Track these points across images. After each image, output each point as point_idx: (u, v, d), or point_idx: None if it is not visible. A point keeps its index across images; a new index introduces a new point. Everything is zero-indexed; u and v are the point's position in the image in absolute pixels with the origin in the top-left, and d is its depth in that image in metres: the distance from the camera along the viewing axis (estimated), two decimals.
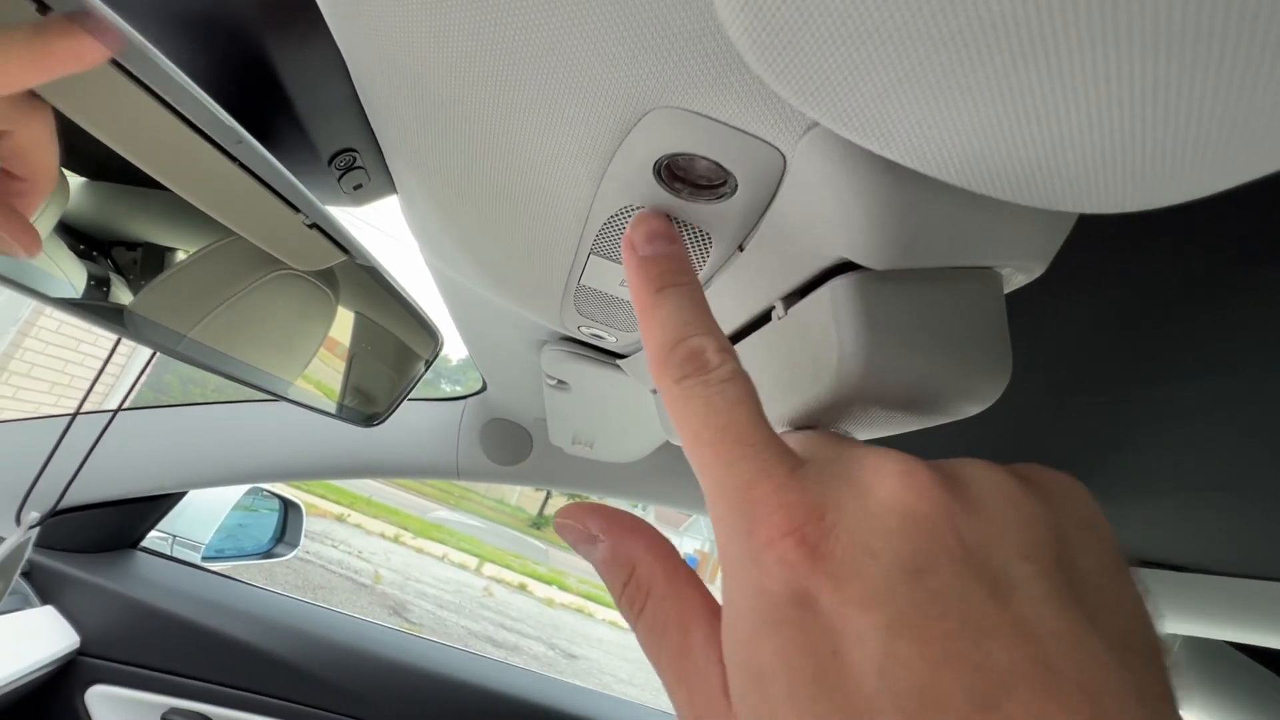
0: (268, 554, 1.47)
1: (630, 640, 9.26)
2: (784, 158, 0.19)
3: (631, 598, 0.18)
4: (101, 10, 0.18)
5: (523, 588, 10.22)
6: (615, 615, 10.60)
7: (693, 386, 0.17)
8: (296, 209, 0.38)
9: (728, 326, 0.28)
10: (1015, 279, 0.22)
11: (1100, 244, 0.37)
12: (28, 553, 0.52)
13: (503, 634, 6.94)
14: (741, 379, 0.17)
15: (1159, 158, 0.13)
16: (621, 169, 0.21)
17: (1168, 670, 0.14)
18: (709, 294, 0.28)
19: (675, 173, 0.21)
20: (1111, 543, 0.15)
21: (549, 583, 11.32)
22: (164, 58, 0.20)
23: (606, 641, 8.68)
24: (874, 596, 0.13)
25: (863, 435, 0.26)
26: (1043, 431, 0.71)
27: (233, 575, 1.16)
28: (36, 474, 0.66)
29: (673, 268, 0.20)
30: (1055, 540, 0.14)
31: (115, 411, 0.91)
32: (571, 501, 0.21)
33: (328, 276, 0.50)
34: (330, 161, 0.28)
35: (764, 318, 0.25)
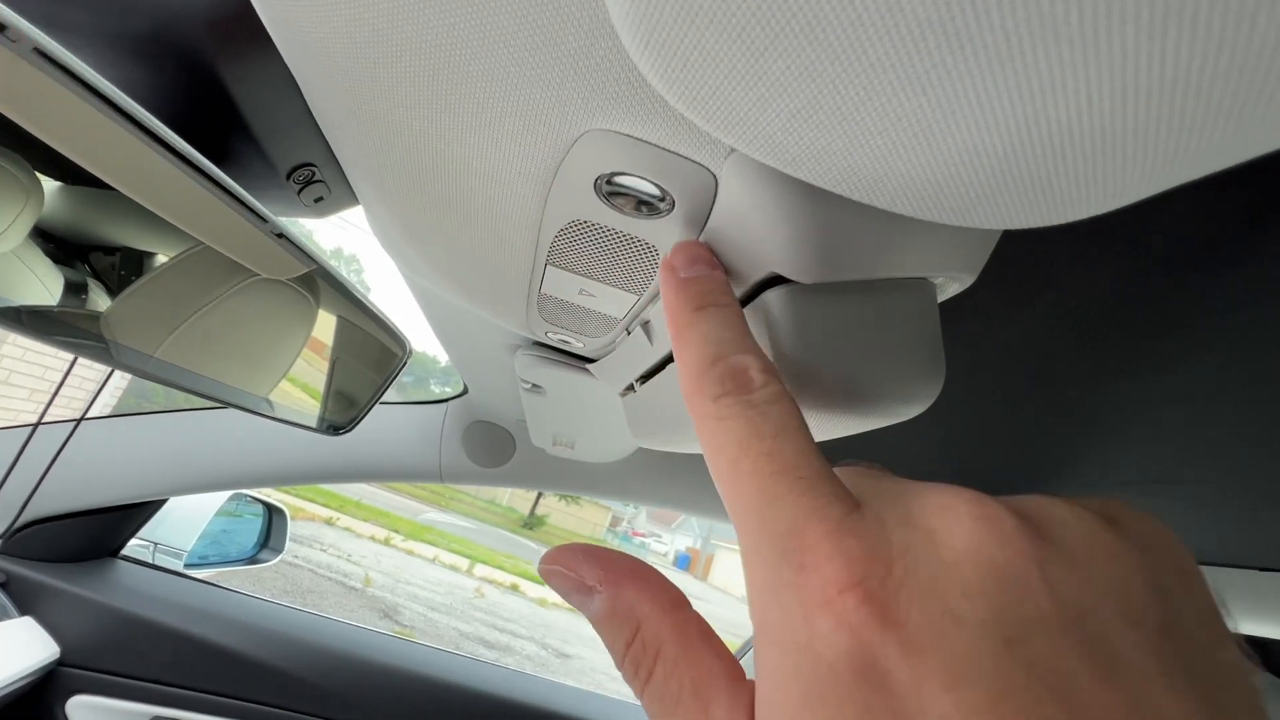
0: (252, 560, 1.47)
1: None
2: (714, 177, 0.19)
3: (637, 661, 0.15)
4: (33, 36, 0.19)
5: (515, 588, 10.20)
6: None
7: (732, 405, 0.15)
8: (264, 219, 0.39)
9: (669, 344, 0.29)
10: (949, 287, 0.23)
11: (1055, 246, 0.38)
12: None
13: (495, 634, 6.93)
14: (789, 402, 0.15)
15: (1061, 172, 0.13)
16: (565, 188, 0.22)
17: None
18: (657, 308, 0.29)
19: (617, 189, 0.21)
20: (1210, 597, 0.13)
21: (541, 582, 11.27)
22: (107, 85, 0.20)
23: (599, 641, 8.67)
24: (961, 673, 0.11)
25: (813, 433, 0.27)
26: (1006, 428, 0.73)
27: (217, 582, 1.16)
28: None
29: (715, 288, 0.18)
30: (1160, 601, 0.12)
31: (78, 421, 0.91)
32: (559, 545, 0.18)
33: (308, 282, 0.50)
34: (289, 176, 0.28)
35: None
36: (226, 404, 0.44)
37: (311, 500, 10.27)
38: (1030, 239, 0.36)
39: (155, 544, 1.24)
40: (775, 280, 0.20)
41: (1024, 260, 0.40)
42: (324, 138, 0.27)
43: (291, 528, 1.58)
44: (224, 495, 1.41)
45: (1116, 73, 0.10)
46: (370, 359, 0.43)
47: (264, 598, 1.19)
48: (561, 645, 7.56)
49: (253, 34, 0.22)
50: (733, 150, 0.18)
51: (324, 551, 7.59)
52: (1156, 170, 0.13)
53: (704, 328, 0.17)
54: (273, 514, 1.52)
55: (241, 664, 1.04)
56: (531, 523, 20.43)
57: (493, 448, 1.07)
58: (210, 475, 1.03)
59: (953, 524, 0.13)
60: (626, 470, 1.07)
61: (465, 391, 1.01)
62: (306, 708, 1.05)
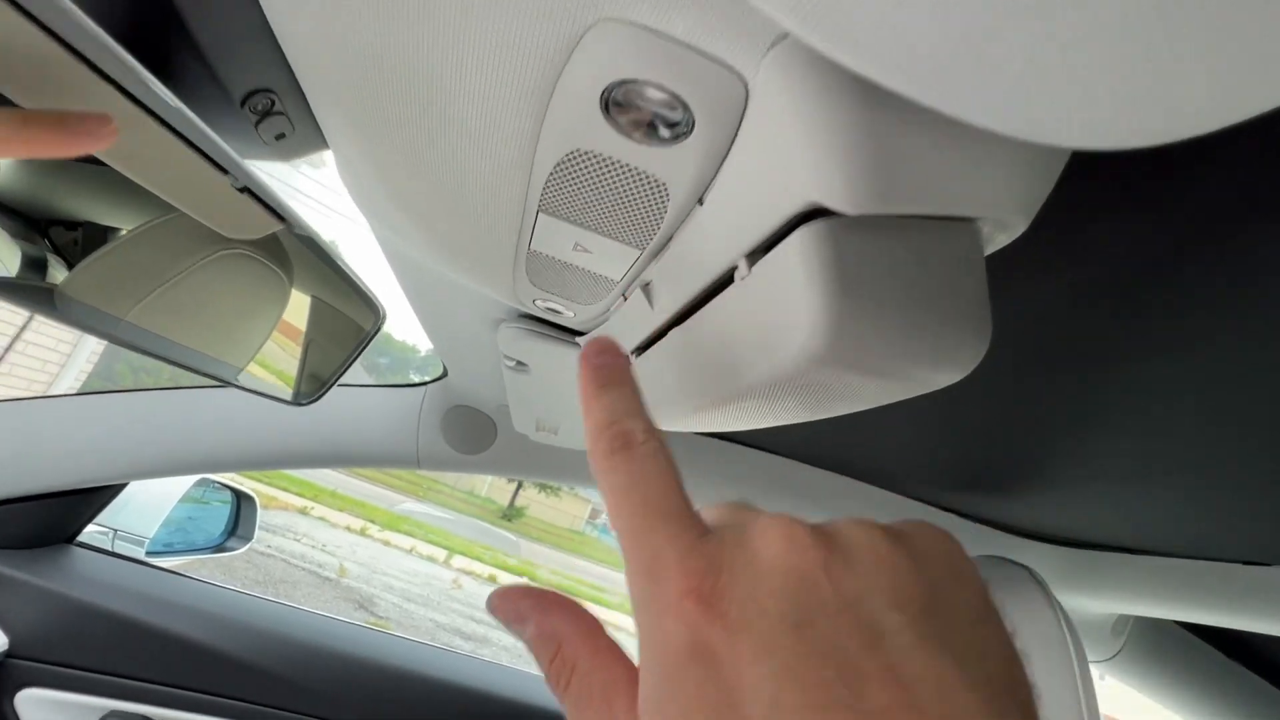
0: (219, 548, 1.41)
1: None
2: (746, 86, 0.16)
3: (558, 672, 0.19)
4: None
5: (493, 579, 10.15)
6: (586, 605, 10.60)
7: (618, 460, 0.19)
8: (224, 170, 0.35)
9: (688, 293, 0.26)
10: (996, 238, 0.20)
11: (1059, 220, 0.36)
12: None
13: (471, 626, 6.89)
14: (663, 456, 0.19)
15: (1179, 76, 0.11)
16: (565, 105, 0.18)
17: (1032, 705, 0.15)
18: (666, 257, 0.26)
19: (626, 110, 0.18)
20: (979, 590, 0.17)
21: (519, 574, 11.26)
22: None
23: None
24: (763, 648, 0.15)
25: (829, 409, 0.24)
26: (1002, 412, 0.71)
27: (181, 571, 1.11)
28: None
29: (618, 373, 0.22)
30: (924, 591, 0.16)
31: (40, 398, 0.85)
32: (505, 586, 0.22)
33: (279, 256, 0.47)
34: (243, 103, 0.25)
35: (727, 279, 0.23)
36: (196, 371, 0.41)
37: (285, 489, 10.10)
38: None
39: (115, 530, 1.19)
40: (810, 215, 0.17)
41: (1017, 241, 0.38)
42: (285, 59, 0.24)
43: (264, 517, 1.53)
44: (189, 481, 1.36)
45: None
46: (342, 325, 0.40)
47: (231, 587, 1.14)
48: None
49: None
50: (776, 42, 0.15)
51: (297, 541, 7.46)
52: None
53: (605, 400, 0.21)
54: (241, 501, 1.47)
55: (205, 656, 0.99)
56: (510, 514, 20.36)
57: (473, 433, 1.04)
58: (176, 459, 0.98)
59: (768, 542, 0.16)
60: None
61: (445, 374, 0.97)
62: (274, 702, 1.01)
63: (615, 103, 0.18)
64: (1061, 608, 0.72)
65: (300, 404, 0.42)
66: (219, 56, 0.23)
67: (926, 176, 0.16)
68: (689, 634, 0.15)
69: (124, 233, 0.43)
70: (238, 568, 5.33)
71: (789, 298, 0.18)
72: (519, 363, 0.55)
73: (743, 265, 0.21)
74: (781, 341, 0.18)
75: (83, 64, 0.24)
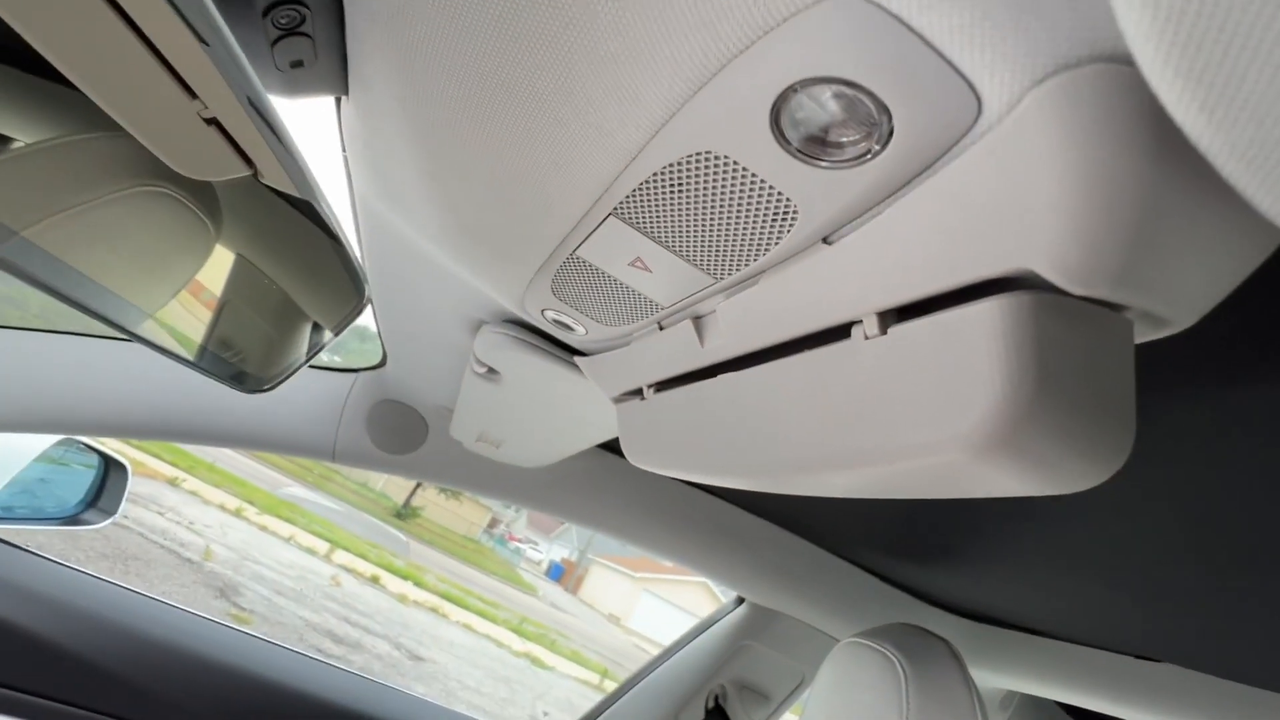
0: (72, 520, 1.23)
1: (482, 646, 8.95)
2: (978, 111, 0.13)
3: None
4: None
5: (375, 580, 9.58)
6: (470, 618, 10.20)
7: None
8: (192, 94, 0.29)
9: (763, 338, 0.22)
10: (1149, 332, 0.18)
11: None
12: None
13: (345, 628, 6.44)
14: None
15: None
16: (725, 95, 0.15)
17: None
18: (748, 293, 0.22)
19: (796, 115, 0.15)
20: None
21: (405, 577, 10.70)
22: None
23: (458, 645, 8.31)
24: None
25: (918, 494, 0.21)
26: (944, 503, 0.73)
27: (19, 544, 0.95)
28: None
29: None
30: None
31: None
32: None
33: (210, 203, 0.40)
34: (266, 12, 0.19)
35: (835, 334, 0.20)
36: (93, 314, 0.34)
37: (156, 456, 9.17)
38: None
39: None
40: (1006, 283, 0.14)
41: None
42: None
43: (128, 489, 1.34)
44: (51, 438, 1.18)
45: None
46: (310, 302, 0.33)
47: (73, 566, 0.99)
48: (416, 647, 7.15)
49: None
50: (1056, 72, 0.12)
51: (161, 515, 6.76)
52: None
53: None
54: (110, 468, 1.28)
55: (31, 646, 0.84)
56: (405, 513, 19.42)
57: (401, 432, 0.96)
58: (45, 413, 0.84)
59: None
60: (534, 477, 0.99)
61: (383, 364, 0.89)
62: (111, 707, 0.87)
63: (801, 101, 0.14)
64: (975, 686, 0.74)
65: (252, 390, 0.35)
66: None
67: (1159, 267, 0.13)
68: None
69: (38, 141, 0.36)
70: (85, 540, 4.75)
71: (961, 374, 0.15)
72: (490, 370, 0.50)
73: (870, 322, 0.18)
74: (938, 422, 0.15)
75: None
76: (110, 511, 1.27)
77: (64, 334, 0.87)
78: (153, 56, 0.26)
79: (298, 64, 0.22)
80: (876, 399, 0.17)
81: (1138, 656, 0.92)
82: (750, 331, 0.23)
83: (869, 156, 0.15)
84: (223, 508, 8.84)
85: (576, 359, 0.40)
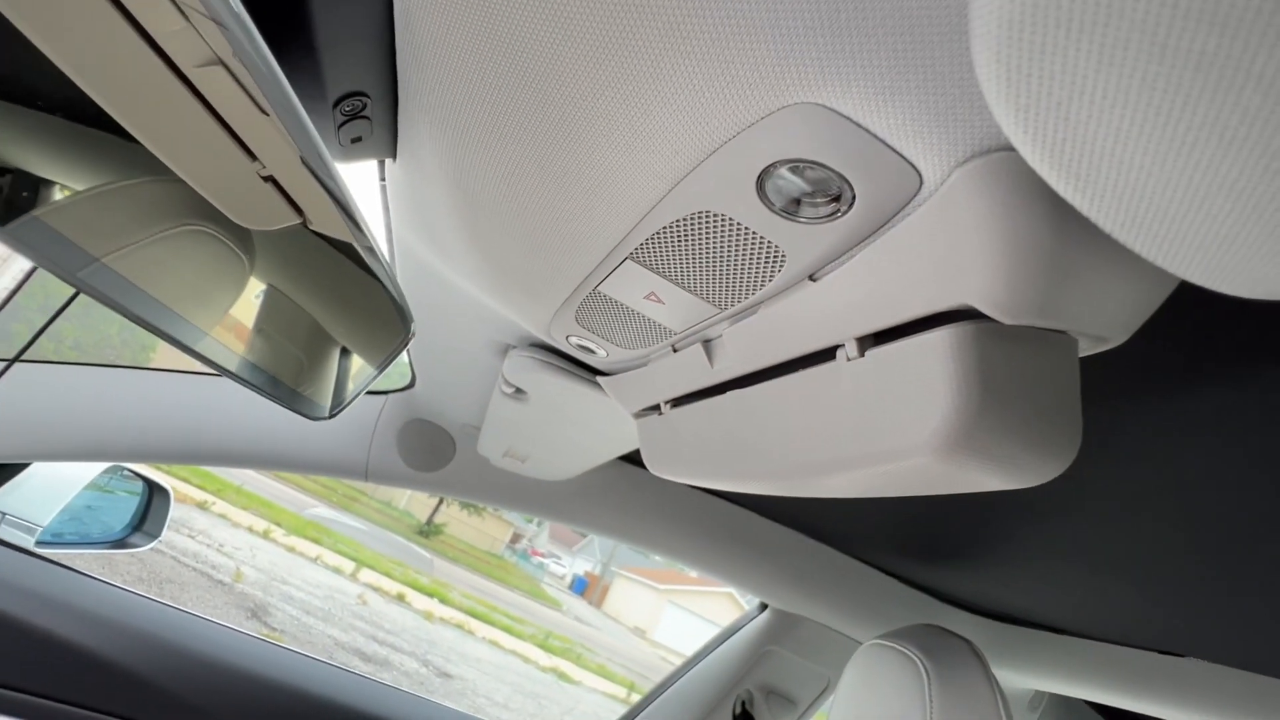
0: (119, 543, 1.29)
1: (508, 661, 8.95)
2: (920, 184, 0.17)
3: None
4: None
5: (401, 598, 9.65)
6: (496, 634, 10.22)
7: None
8: (252, 156, 0.33)
9: (763, 360, 0.26)
10: (1091, 347, 0.21)
11: None
12: None
13: (373, 647, 6.50)
14: None
15: None
16: (718, 169, 0.18)
17: None
18: (749, 321, 0.26)
19: (778, 184, 0.18)
20: None
21: (430, 595, 10.77)
22: None
23: (485, 661, 8.33)
24: None
25: (896, 492, 0.24)
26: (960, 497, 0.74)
27: (69, 565, 1.00)
28: None
29: None
30: None
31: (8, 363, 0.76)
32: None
33: (245, 241, 0.44)
34: (337, 104, 0.23)
35: (822, 356, 0.23)
36: (160, 333, 0.38)
37: (185, 480, 9.36)
38: None
39: (3, 515, 1.06)
40: (955, 315, 0.18)
41: None
42: (392, 65, 0.23)
43: (170, 514, 1.40)
44: (99, 467, 1.24)
45: None
46: (365, 332, 0.37)
47: (125, 587, 1.04)
48: (443, 663, 7.19)
49: None
50: (974, 156, 0.15)
51: (192, 538, 6.90)
52: None
53: None
54: (153, 493, 1.34)
55: (84, 662, 0.89)
56: (428, 530, 19.53)
57: (430, 450, 1.00)
58: (92, 443, 0.89)
59: None
60: (565, 491, 1.02)
61: (411, 385, 0.93)
62: (155, 717, 0.91)
63: (779, 175, 0.18)
64: (998, 684, 0.75)
65: (324, 418, 0.39)
66: (332, 52, 0.21)
67: (1073, 297, 0.16)
68: None
69: (110, 182, 0.41)
70: (120, 562, 4.87)
71: (921, 391, 0.18)
72: (519, 390, 0.53)
73: (850, 346, 0.21)
74: (900, 431, 0.18)
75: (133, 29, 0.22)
76: (154, 535, 1.32)
77: (108, 366, 0.93)
78: (219, 125, 0.30)
79: (357, 139, 0.25)
80: (858, 411, 0.20)
81: (1162, 652, 0.93)
82: (753, 353, 0.27)
83: (839, 215, 0.18)
84: (251, 530, 8.99)
85: (599, 379, 0.44)
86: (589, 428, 0.58)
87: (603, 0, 0.15)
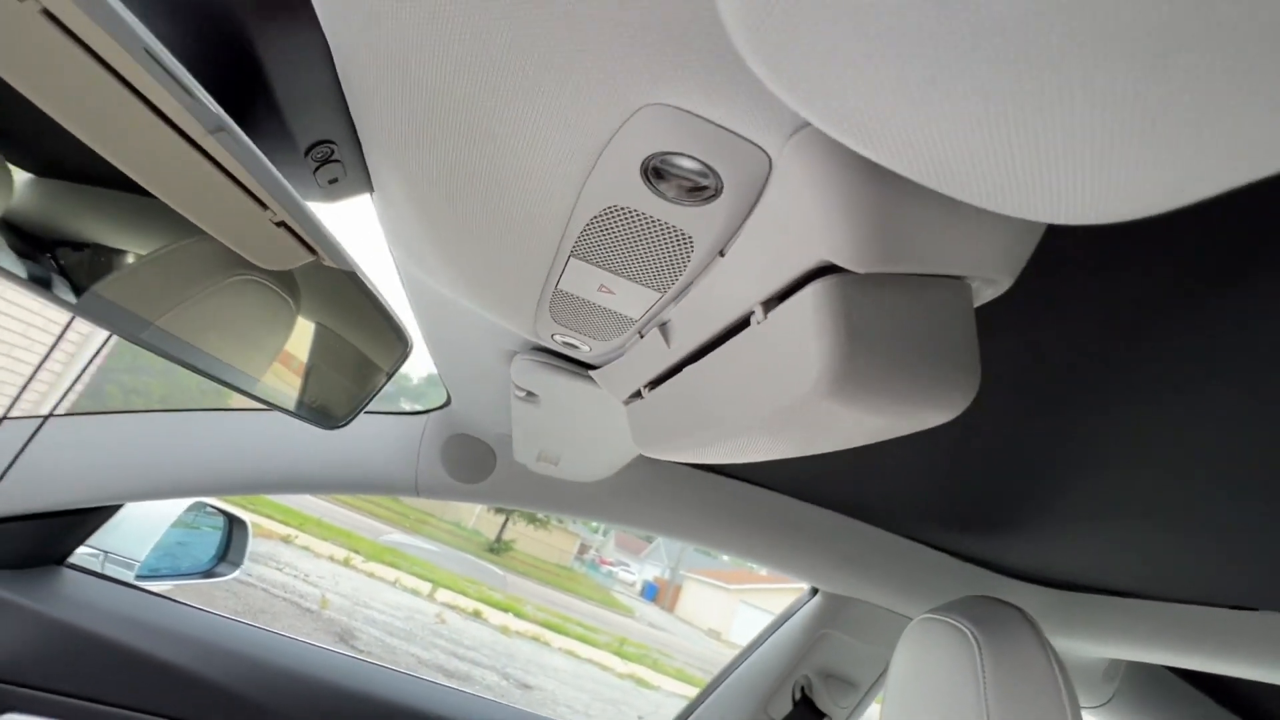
0: (208, 573, 1.40)
1: (586, 671, 9.05)
2: (770, 160, 0.19)
3: None
4: None
5: (477, 614, 9.91)
6: (573, 644, 10.36)
7: None
8: (264, 205, 0.38)
9: (705, 334, 0.28)
10: (984, 292, 0.23)
11: (1060, 268, 0.38)
12: None
13: (455, 663, 6.70)
14: None
15: (1134, 168, 0.13)
16: (608, 168, 0.21)
17: None
18: (686, 300, 0.28)
19: (662, 174, 0.21)
20: None
21: (505, 610, 11.02)
22: (141, 29, 0.19)
23: (563, 671, 8.46)
24: None
25: (831, 443, 0.26)
26: (997, 453, 0.73)
27: (170, 596, 1.10)
28: None
29: None
30: None
31: (45, 418, 0.86)
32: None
33: (290, 285, 0.49)
34: (307, 152, 0.27)
35: (743, 323, 0.25)
36: (217, 380, 0.43)
37: (269, 516, 9.91)
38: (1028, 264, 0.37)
39: (106, 553, 1.18)
40: (823, 270, 0.20)
41: (1021, 286, 0.40)
42: (347, 114, 0.27)
43: (249, 545, 1.51)
44: (182, 505, 1.35)
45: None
46: (368, 352, 0.42)
47: (220, 613, 1.13)
48: (523, 675, 7.34)
49: None
50: (798, 130, 0.17)
51: (280, 570, 7.30)
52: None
53: None
54: (234, 525, 1.45)
55: (191, 683, 0.98)
56: (497, 548, 19.98)
57: (472, 462, 1.05)
58: (174, 481, 0.98)
59: None
60: (604, 491, 1.05)
61: (448, 403, 0.99)
62: None
63: (653, 168, 0.20)
64: (1054, 650, 0.73)
65: (334, 427, 0.44)
66: (293, 110, 0.25)
67: (924, 242, 0.18)
68: None
69: (153, 250, 0.46)
70: (218, 597, 5.21)
71: (804, 342, 0.20)
72: (529, 393, 0.57)
73: (759, 311, 0.23)
74: (795, 380, 0.20)
75: (150, 111, 0.26)
76: (237, 563, 1.43)
77: (186, 411, 1.02)
78: (232, 182, 0.35)
79: (334, 180, 0.29)
80: (771, 368, 0.23)
81: (1233, 608, 0.88)
82: (696, 330, 0.29)
83: (717, 195, 0.21)
84: (332, 559, 9.42)
85: (592, 373, 0.47)
86: (601, 423, 0.61)
87: (482, 45, 0.18)
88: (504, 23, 0.18)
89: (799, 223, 0.19)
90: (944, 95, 0.12)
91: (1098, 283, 0.38)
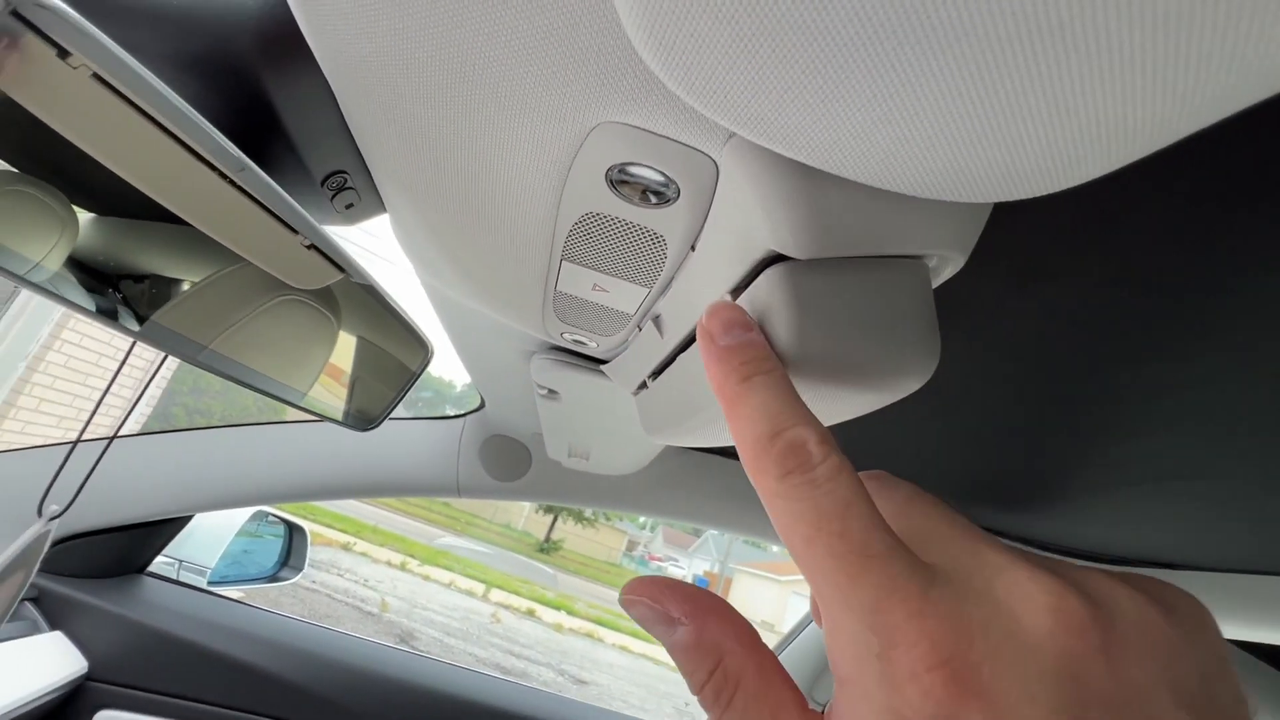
0: (272, 578, 1.48)
1: (641, 666, 9.13)
2: (715, 162, 0.21)
3: (718, 689, 0.17)
4: (90, 32, 0.21)
5: (530, 613, 10.11)
6: (625, 640, 10.46)
7: (798, 486, 0.16)
8: (295, 230, 0.41)
9: (690, 323, 0.30)
10: (944, 269, 0.24)
11: (1080, 226, 0.38)
12: (48, 545, 0.54)
13: (511, 660, 6.86)
14: (849, 475, 0.16)
15: (1026, 152, 0.15)
16: (578, 181, 0.23)
17: None
18: (671, 293, 0.31)
19: (625, 181, 0.23)
20: (1234, 676, 0.15)
21: (557, 608, 11.20)
22: (169, 91, 0.23)
23: (617, 667, 8.56)
24: None
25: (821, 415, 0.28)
26: (1031, 420, 0.72)
27: (242, 600, 1.18)
28: (49, 484, 0.67)
29: (757, 354, 0.18)
30: (1201, 685, 0.14)
31: (110, 439, 0.93)
32: (641, 577, 0.19)
33: (330, 301, 0.53)
34: (323, 183, 0.31)
35: None
36: (267, 394, 0.48)
37: (328, 525, 10.32)
38: (1032, 224, 0.37)
39: (180, 561, 1.27)
40: (773, 260, 0.22)
41: (1027, 246, 0.40)
42: (356, 146, 0.30)
43: (309, 552, 1.60)
44: (245, 515, 1.44)
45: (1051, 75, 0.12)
46: (396, 360, 0.45)
47: (287, 614, 1.20)
48: (579, 671, 7.46)
49: (295, 49, 0.24)
50: (731, 135, 0.19)
51: (341, 576, 7.60)
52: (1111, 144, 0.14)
53: (756, 400, 0.17)
54: (293, 532, 1.54)
55: (265, 680, 1.05)
56: (547, 547, 20.30)
57: (509, 461, 1.09)
58: (237, 491, 1.06)
59: (1032, 612, 0.14)
60: (641, 482, 1.08)
61: (482, 406, 1.03)
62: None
63: (618, 177, 0.23)
64: None
65: (366, 429, 0.48)
66: (306, 146, 0.29)
67: (865, 223, 0.20)
68: (935, 711, 0.13)
69: (203, 279, 0.51)
70: (285, 604, 5.46)
71: (764, 326, 0.22)
72: (550, 391, 0.60)
73: (729, 299, 0.25)
74: None
75: (190, 154, 0.30)
76: (299, 568, 1.52)
77: (244, 426, 1.09)
78: (265, 212, 0.38)
79: (350, 205, 0.33)
80: None
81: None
82: (682, 320, 0.31)
83: (678, 198, 0.23)
84: (389, 564, 9.75)
85: (602, 367, 0.49)
86: (621, 415, 0.63)
87: (453, 85, 0.21)
88: (469, 69, 0.20)
89: (745, 217, 0.21)
90: (829, 96, 0.14)
91: (1112, 244, 0.38)
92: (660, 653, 10.47)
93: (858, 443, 0.82)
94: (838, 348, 0.22)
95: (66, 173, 0.37)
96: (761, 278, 0.22)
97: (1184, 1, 0.10)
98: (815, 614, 0.19)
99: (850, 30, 0.12)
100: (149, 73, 0.21)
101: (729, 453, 1.07)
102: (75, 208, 0.39)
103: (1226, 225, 0.33)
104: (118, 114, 0.27)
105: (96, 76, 0.26)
